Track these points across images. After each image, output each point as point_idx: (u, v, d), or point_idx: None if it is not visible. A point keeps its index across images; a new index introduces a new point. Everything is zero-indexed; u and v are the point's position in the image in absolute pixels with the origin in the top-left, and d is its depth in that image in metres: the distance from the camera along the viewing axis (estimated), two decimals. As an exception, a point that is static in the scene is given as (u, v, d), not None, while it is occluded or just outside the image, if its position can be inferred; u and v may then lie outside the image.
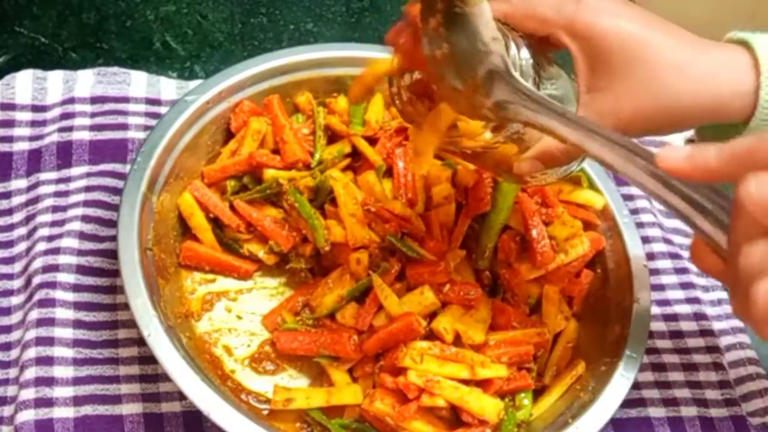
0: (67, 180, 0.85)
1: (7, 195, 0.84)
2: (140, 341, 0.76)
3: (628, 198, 0.94)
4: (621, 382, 0.75)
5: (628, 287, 0.81)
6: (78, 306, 0.78)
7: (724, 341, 0.88)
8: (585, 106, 0.63)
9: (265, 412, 0.75)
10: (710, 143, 0.46)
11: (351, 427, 0.74)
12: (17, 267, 0.81)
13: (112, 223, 0.75)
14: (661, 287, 0.91)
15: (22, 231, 0.83)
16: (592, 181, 0.87)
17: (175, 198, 0.82)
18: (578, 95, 0.65)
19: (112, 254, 0.75)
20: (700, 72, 0.62)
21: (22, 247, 0.82)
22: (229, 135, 0.87)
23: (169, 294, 0.78)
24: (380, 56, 0.88)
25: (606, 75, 0.62)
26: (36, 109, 0.89)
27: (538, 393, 0.78)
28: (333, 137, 0.88)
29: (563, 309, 0.81)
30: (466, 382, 0.74)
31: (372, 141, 0.87)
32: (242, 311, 0.82)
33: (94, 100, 0.90)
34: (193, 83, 0.93)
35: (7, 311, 0.79)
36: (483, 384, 0.75)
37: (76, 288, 0.78)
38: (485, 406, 0.73)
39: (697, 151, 0.46)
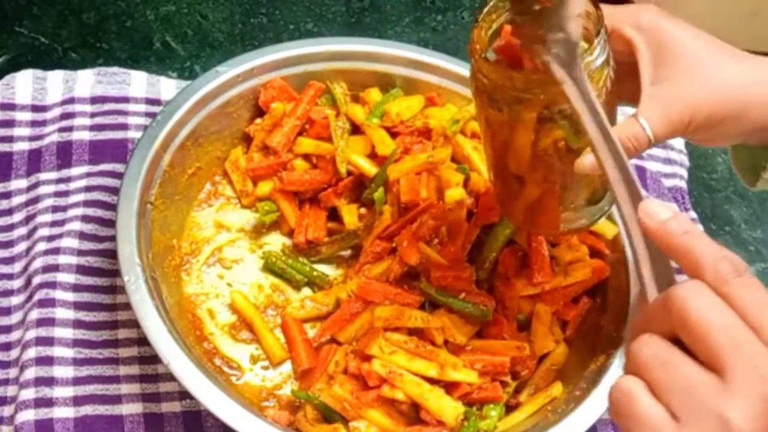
0: (67, 180, 0.85)
1: (7, 195, 0.85)
2: (140, 341, 0.76)
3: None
4: (590, 409, 0.74)
5: (623, 319, 0.80)
6: (78, 306, 0.78)
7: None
8: (650, 98, 0.64)
9: (233, 379, 0.77)
10: (688, 221, 0.48)
11: (314, 403, 0.74)
12: (17, 267, 0.81)
13: (112, 223, 0.75)
14: (661, 287, 0.90)
15: (22, 231, 0.83)
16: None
17: (191, 161, 0.84)
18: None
19: (112, 254, 0.76)
20: (756, 68, 0.64)
21: (22, 247, 0.82)
22: (255, 110, 0.88)
23: (164, 249, 0.80)
24: (427, 59, 0.91)
25: (671, 64, 0.64)
26: (36, 109, 0.89)
27: (512, 409, 0.78)
28: (356, 129, 0.88)
29: (554, 331, 0.81)
30: (433, 381, 0.74)
31: (394, 135, 0.88)
32: (233, 280, 0.83)
33: (94, 100, 0.90)
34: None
35: (7, 311, 0.79)
36: (450, 386, 0.75)
37: (76, 288, 0.78)
38: (444, 407, 0.73)
39: (672, 225, 0.47)
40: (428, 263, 0.80)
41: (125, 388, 0.75)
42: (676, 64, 0.63)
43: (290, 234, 0.86)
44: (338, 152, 0.85)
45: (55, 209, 0.83)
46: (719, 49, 0.65)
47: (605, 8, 0.64)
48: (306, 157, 0.86)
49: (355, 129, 0.88)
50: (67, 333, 0.76)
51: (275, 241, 0.86)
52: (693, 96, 0.63)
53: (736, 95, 0.63)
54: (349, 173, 0.86)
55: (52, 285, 0.77)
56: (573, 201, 0.71)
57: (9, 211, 0.84)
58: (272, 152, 0.86)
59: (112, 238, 0.75)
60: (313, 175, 0.86)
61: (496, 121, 0.67)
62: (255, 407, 0.74)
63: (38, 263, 0.79)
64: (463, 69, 0.91)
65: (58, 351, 0.75)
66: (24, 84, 0.90)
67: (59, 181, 0.85)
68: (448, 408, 0.73)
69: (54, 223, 0.82)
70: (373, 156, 0.86)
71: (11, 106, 0.89)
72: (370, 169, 0.86)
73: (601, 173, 0.56)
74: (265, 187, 0.86)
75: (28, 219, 0.83)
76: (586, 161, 0.63)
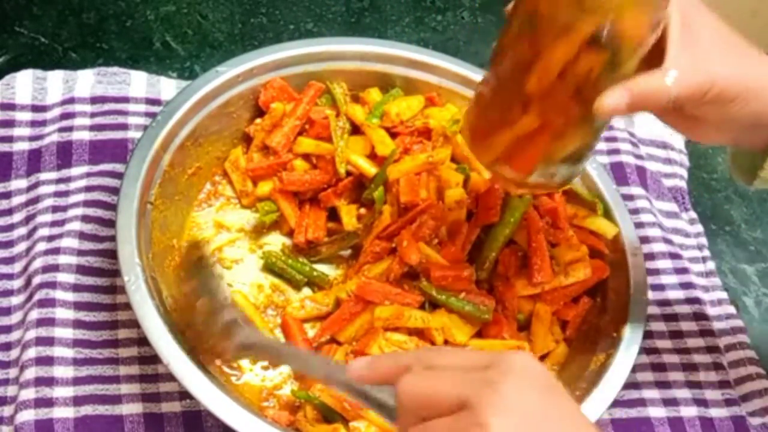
0: (67, 180, 0.85)
1: (7, 195, 0.84)
2: (140, 341, 0.76)
3: (628, 198, 0.94)
4: (590, 409, 0.74)
5: (623, 320, 0.80)
6: (78, 306, 0.78)
7: (724, 341, 0.88)
8: (677, 57, 0.65)
9: (233, 379, 0.77)
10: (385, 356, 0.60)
11: (314, 403, 0.74)
12: (17, 267, 0.81)
13: (112, 223, 0.76)
14: (661, 287, 0.91)
15: (22, 231, 0.83)
16: (609, 211, 0.86)
17: (191, 161, 0.84)
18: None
19: (112, 254, 0.76)
20: (763, 62, 0.68)
21: (22, 247, 0.82)
22: (255, 110, 0.88)
23: (164, 249, 0.80)
24: (427, 59, 0.91)
25: (692, 42, 0.66)
26: (36, 109, 0.89)
27: None
28: (356, 129, 0.88)
29: (554, 331, 0.81)
30: None
31: (394, 135, 0.88)
32: (233, 280, 0.83)
33: (94, 100, 0.90)
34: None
35: (7, 311, 0.79)
36: None
37: (76, 288, 0.78)
38: None
39: (373, 361, 0.57)
40: (428, 263, 0.80)
41: (125, 388, 0.75)
42: (697, 43, 0.66)
43: (290, 234, 0.86)
44: (338, 152, 0.85)
45: (55, 209, 0.83)
46: (732, 40, 0.68)
47: None
48: (306, 157, 0.87)
49: (355, 129, 0.88)
50: (67, 333, 0.76)
51: (275, 241, 0.87)
52: (714, 66, 0.65)
53: (746, 79, 0.66)
54: (348, 173, 0.86)
55: (52, 285, 0.77)
56: (558, 152, 0.69)
57: (9, 211, 0.84)
58: (272, 152, 0.86)
59: (112, 238, 0.75)
60: (313, 175, 0.86)
61: (541, 26, 0.64)
62: (255, 407, 0.74)
63: (38, 263, 0.79)
64: (463, 69, 0.92)
65: (58, 351, 0.75)
66: (24, 84, 0.90)
67: (59, 181, 0.85)
68: None
69: (54, 223, 0.82)
70: (372, 156, 0.86)
71: (11, 106, 0.89)
72: (369, 169, 0.86)
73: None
74: (265, 187, 0.86)
75: (28, 219, 0.83)
76: (606, 100, 0.63)
